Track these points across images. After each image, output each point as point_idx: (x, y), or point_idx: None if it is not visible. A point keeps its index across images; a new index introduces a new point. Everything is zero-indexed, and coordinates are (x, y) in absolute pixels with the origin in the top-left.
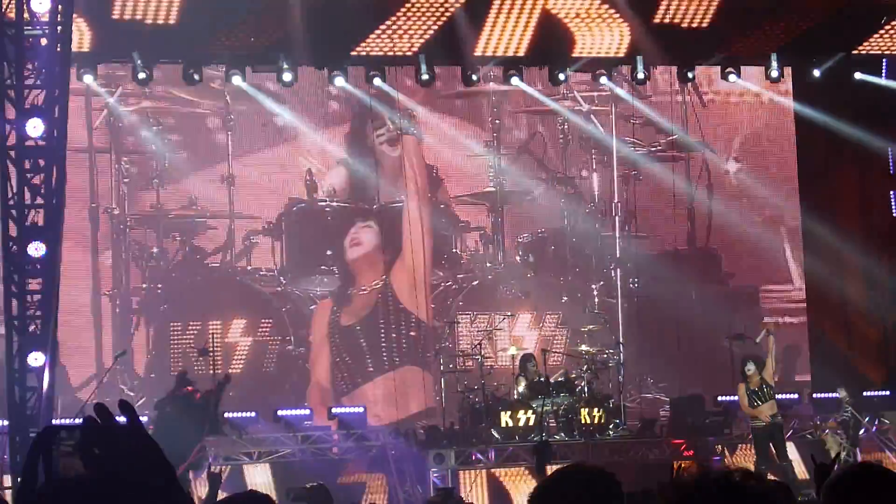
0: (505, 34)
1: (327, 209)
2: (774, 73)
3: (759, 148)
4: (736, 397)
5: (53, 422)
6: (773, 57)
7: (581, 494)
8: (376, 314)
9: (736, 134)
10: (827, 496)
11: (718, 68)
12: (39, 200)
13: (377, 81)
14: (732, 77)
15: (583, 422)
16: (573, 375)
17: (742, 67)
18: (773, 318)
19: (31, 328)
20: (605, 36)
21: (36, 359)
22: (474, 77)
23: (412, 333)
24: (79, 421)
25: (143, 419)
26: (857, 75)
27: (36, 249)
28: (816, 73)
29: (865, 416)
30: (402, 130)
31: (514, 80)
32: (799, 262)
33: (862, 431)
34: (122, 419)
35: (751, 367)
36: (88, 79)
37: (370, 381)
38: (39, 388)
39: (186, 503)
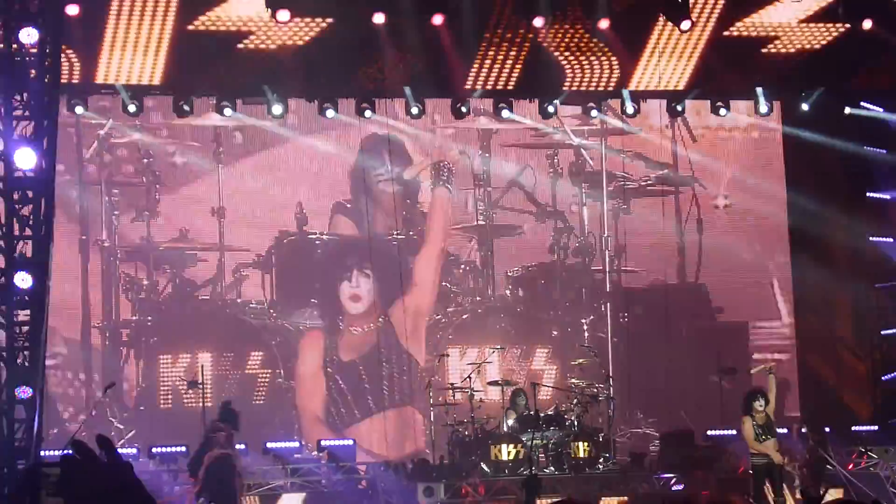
0: (495, 67)
1: (317, 242)
2: (763, 108)
3: (749, 183)
4: (729, 431)
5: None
6: (761, 92)
7: None
8: (375, 352)
9: (726, 170)
10: None
11: (708, 103)
12: (28, 232)
13: (368, 115)
14: (723, 111)
15: (572, 456)
16: (563, 409)
17: (732, 102)
18: (764, 355)
19: (19, 360)
20: (595, 69)
21: (24, 391)
22: (464, 109)
23: (406, 374)
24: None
25: (129, 451)
26: (847, 109)
27: (23, 280)
28: (805, 106)
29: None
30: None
31: (505, 113)
32: (788, 299)
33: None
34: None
35: (761, 403)
36: (79, 110)
37: (367, 419)
38: (28, 421)
39: None
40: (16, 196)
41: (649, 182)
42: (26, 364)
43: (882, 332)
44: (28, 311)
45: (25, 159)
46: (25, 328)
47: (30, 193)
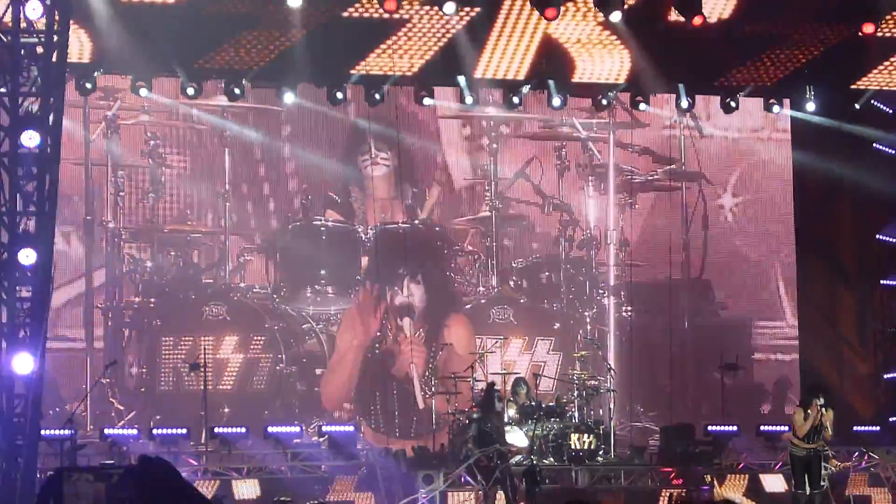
0: (505, 57)
1: (322, 228)
2: (774, 108)
3: (756, 184)
4: (729, 427)
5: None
6: (772, 89)
7: None
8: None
9: (733, 169)
10: None
11: (718, 101)
12: (32, 208)
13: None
14: (732, 104)
15: (572, 447)
16: (564, 401)
17: (742, 102)
18: (766, 355)
19: (21, 335)
20: (606, 62)
21: (25, 366)
22: (473, 99)
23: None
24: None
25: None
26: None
27: (27, 257)
28: (812, 106)
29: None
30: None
31: (514, 100)
32: (792, 298)
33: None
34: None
35: (821, 401)
36: (87, 91)
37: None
38: (27, 397)
39: None
40: (20, 172)
41: (656, 177)
42: (27, 340)
43: (890, 329)
44: (30, 287)
45: (31, 136)
46: (27, 304)
47: (34, 170)
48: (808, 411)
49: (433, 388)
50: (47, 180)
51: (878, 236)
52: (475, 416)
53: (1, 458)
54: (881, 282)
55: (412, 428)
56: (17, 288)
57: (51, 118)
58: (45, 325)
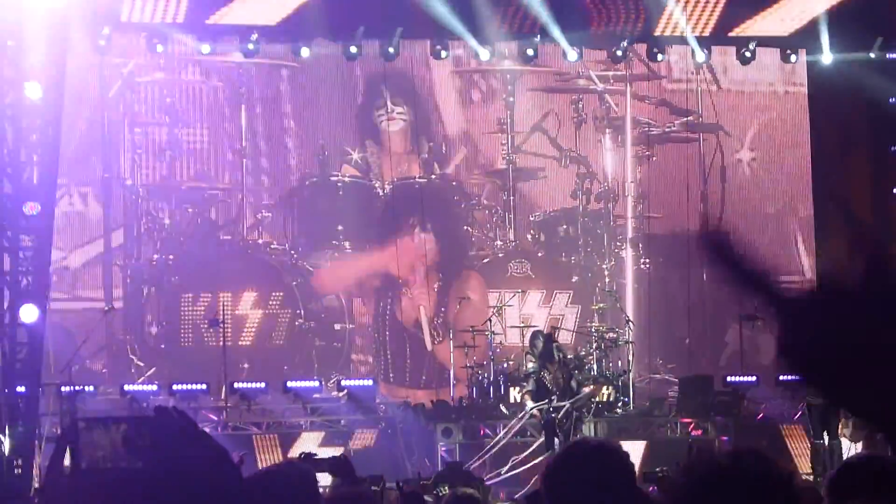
0: (521, 11)
1: (339, 184)
2: (792, 57)
3: (773, 138)
4: (748, 378)
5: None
6: (787, 40)
7: (593, 469)
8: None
9: (750, 124)
10: (829, 488)
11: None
12: (35, 158)
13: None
14: (747, 55)
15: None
16: (582, 353)
17: (758, 56)
18: None
19: (24, 283)
20: (622, 14)
21: (27, 314)
22: (489, 54)
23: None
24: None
25: (149, 389)
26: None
27: (31, 208)
28: (829, 56)
29: None
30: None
31: (529, 53)
32: (810, 253)
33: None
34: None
35: None
36: (103, 49)
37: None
38: (30, 344)
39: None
40: (24, 123)
41: (673, 129)
42: (30, 288)
43: None
44: (32, 237)
45: (34, 88)
46: (30, 253)
47: (38, 121)
48: None
49: (441, 336)
50: (50, 130)
51: (895, 190)
52: (531, 368)
53: (2, 402)
54: None
55: (422, 378)
56: (21, 237)
57: (55, 70)
58: (47, 273)
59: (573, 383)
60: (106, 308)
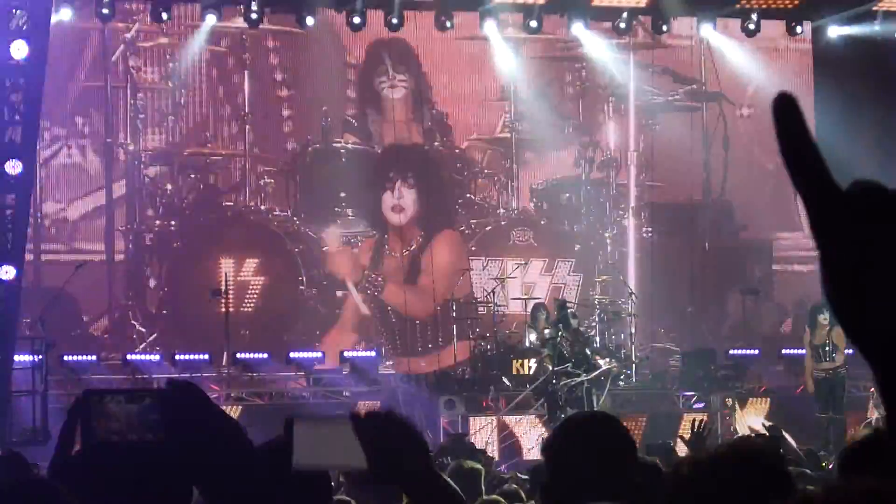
0: None
1: (342, 151)
2: (797, 28)
3: (775, 93)
4: (751, 351)
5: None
6: (793, 11)
7: (594, 442)
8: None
9: (751, 79)
10: (842, 465)
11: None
12: (17, 118)
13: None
14: (751, 27)
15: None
16: (585, 325)
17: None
18: (784, 266)
19: (5, 243)
20: None
21: (6, 272)
22: (493, 23)
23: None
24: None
25: (151, 358)
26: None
27: (13, 167)
28: (836, 29)
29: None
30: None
31: (532, 25)
32: None
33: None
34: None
35: (825, 317)
36: (106, 17)
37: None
38: (10, 303)
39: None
40: (8, 83)
41: (676, 97)
42: (9, 246)
43: None
44: (14, 195)
45: (19, 47)
46: (10, 211)
47: (22, 81)
48: (815, 331)
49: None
50: (32, 90)
51: None
52: (548, 336)
53: None
54: None
55: (417, 347)
56: (6, 196)
57: (38, 31)
58: (25, 234)
59: (588, 351)
60: (77, 265)
